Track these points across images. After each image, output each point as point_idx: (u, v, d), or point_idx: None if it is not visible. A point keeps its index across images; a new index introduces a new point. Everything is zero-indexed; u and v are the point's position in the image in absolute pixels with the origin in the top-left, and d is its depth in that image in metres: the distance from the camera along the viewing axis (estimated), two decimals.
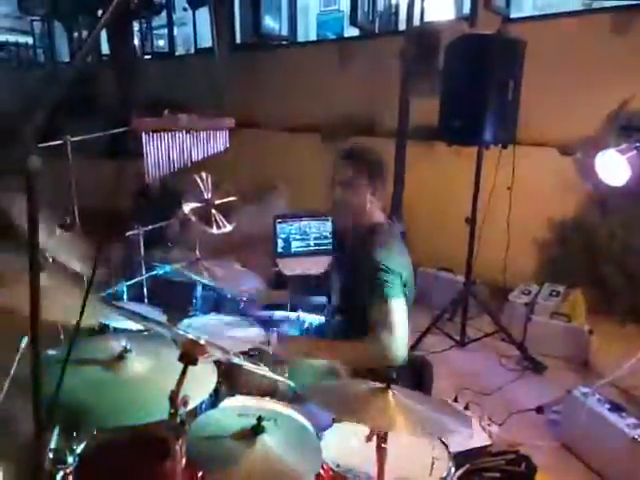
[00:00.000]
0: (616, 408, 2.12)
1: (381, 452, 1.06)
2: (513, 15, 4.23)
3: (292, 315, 2.12)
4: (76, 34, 9.73)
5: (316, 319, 2.07)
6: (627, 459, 2.01)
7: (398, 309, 1.63)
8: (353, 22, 4.94)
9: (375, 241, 1.70)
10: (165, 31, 7.96)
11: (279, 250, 3.25)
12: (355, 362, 1.58)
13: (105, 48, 7.66)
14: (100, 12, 7.08)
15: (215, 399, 1.46)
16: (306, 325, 2.09)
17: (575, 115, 3.65)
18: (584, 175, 3.61)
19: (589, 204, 3.69)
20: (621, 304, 3.53)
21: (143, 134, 2.06)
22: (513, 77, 2.85)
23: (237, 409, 1.29)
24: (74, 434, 1.23)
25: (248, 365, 1.20)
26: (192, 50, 7.80)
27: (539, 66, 3.20)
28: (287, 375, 1.58)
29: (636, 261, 3.45)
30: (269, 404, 1.41)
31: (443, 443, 1.33)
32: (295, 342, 1.58)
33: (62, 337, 1.77)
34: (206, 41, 7.12)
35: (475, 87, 2.82)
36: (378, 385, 1.12)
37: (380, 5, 5.37)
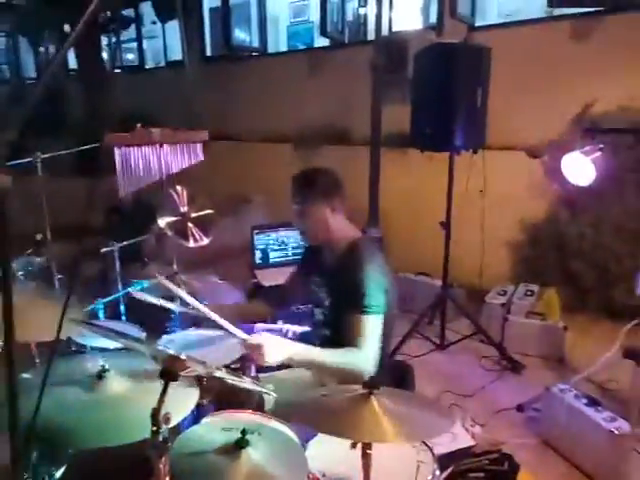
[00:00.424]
0: (593, 403, 2.17)
1: (366, 459, 1.07)
2: (478, 23, 4.34)
3: (275, 326, 2.11)
4: (42, 49, 9.58)
5: (299, 329, 2.06)
6: (605, 452, 2.06)
7: (377, 326, 1.63)
8: (323, 32, 4.99)
9: (356, 258, 1.70)
10: (134, 44, 7.90)
11: (257, 261, 3.24)
12: (331, 371, 1.58)
13: (72, 62, 7.56)
14: (67, 27, 6.99)
15: (197, 415, 1.45)
16: (290, 335, 2.09)
17: (541, 119, 3.76)
18: (552, 177, 3.72)
19: (559, 205, 3.80)
20: (594, 301, 3.63)
21: (115, 149, 2.04)
22: (480, 84, 2.92)
23: (220, 423, 1.28)
24: (52, 458, 1.20)
25: (230, 378, 1.19)
26: (162, 63, 7.76)
27: (505, 72, 3.29)
28: (272, 389, 1.57)
29: (606, 258, 3.55)
30: (252, 417, 1.40)
31: (427, 446, 1.34)
32: (280, 343, 1.56)
33: (37, 360, 1.73)
34: (176, 54, 7.09)
35: (444, 94, 2.88)
36: (361, 391, 1.13)
37: (349, 15, 5.44)
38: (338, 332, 1.70)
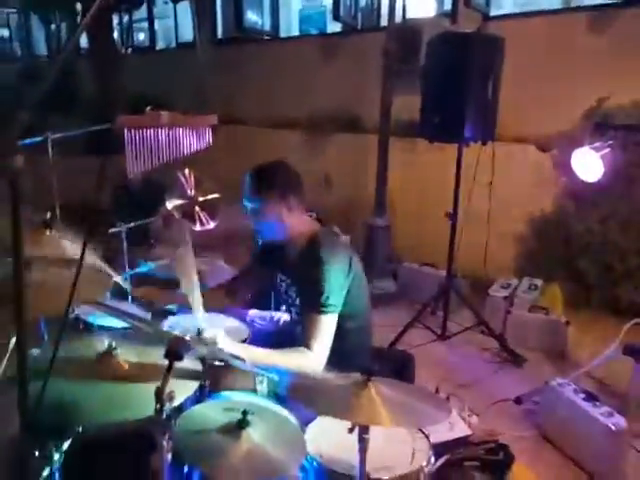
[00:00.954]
0: (590, 398, 2.18)
1: (363, 443, 1.10)
2: (493, 12, 4.29)
3: (267, 313, 2.13)
4: (53, 27, 9.55)
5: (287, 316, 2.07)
6: (601, 447, 2.08)
7: (331, 325, 1.62)
8: (336, 17, 4.95)
9: (314, 254, 1.66)
10: (146, 24, 7.85)
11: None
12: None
13: (83, 41, 7.54)
14: (78, 5, 6.96)
15: (200, 395, 1.48)
16: (281, 323, 2.11)
17: (552, 112, 3.73)
18: (561, 171, 3.70)
19: (566, 199, 3.78)
20: (597, 297, 3.63)
21: (125, 131, 2.05)
22: (492, 74, 2.90)
23: (222, 404, 1.31)
24: (59, 432, 1.24)
25: (233, 361, 1.21)
26: (173, 44, 7.71)
27: (518, 63, 3.26)
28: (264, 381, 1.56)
29: (612, 255, 3.54)
30: (254, 399, 1.43)
31: (424, 434, 1.37)
32: (234, 346, 1.52)
33: (45, 336, 1.77)
34: (187, 35, 7.05)
35: (455, 84, 2.86)
36: (359, 378, 1.15)
37: (362, 1, 5.38)
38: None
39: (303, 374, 1.46)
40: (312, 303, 1.61)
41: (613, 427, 2.02)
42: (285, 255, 1.85)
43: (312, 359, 1.56)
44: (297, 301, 1.82)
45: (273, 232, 1.78)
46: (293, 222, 1.75)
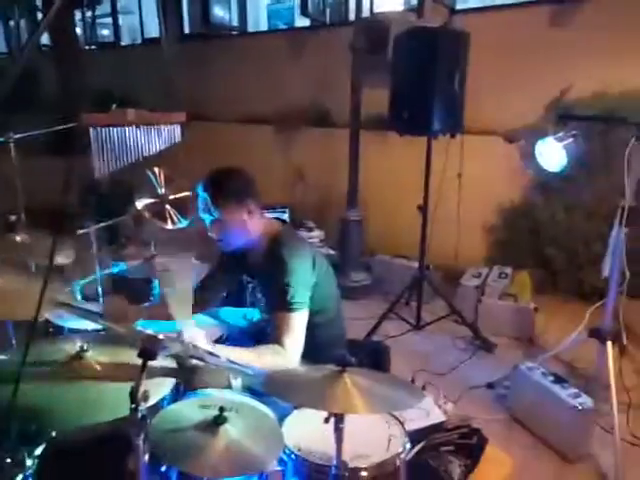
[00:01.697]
0: (559, 380, 2.26)
1: (339, 432, 1.12)
2: (459, 6, 4.35)
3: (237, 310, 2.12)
4: (12, 23, 9.22)
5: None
6: (569, 426, 2.16)
7: (302, 322, 1.64)
8: (304, 12, 4.93)
9: (278, 254, 1.67)
10: (110, 20, 7.66)
11: None
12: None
13: (45, 38, 7.31)
14: (38, 0, 6.74)
15: (176, 394, 1.48)
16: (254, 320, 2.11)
17: (518, 104, 3.82)
18: (527, 162, 3.79)
19: (533, 190, 3.89)
20: (564, 283, 3.76)
21: (91, 129, 2.02)
22: (459, 68, 2.95)
23: (198, 401, 1.31)
24: (32, 437, 1.22)
25: (206, 358, 1.22)
26: (139, 40, 7.55)
27: (484, 57, 3.32)
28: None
29: (577, 242, 3.66)
30: (230, 395, 1.43)
31: (398, 421, 1.40)
32: (209, 346, 1.51)
33: (13, 341, 1.73)
34: (153, 31, 6.91)
35: (422, 78, 2.90)
36: (334, 369, 1.17)
37: None
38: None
39: (278, 371, 1.45)
40: (280, 302, 1.62)
41: (580, 407, 2.10)
42: (248, 258, 1.85)
43: (285, 356, 1.59)
44: (263, 301, 1.83)
45: (237, 239, 1.76)
46: (254, 225, 1.75)
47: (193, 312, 1.73)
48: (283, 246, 1.69)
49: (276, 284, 1.63)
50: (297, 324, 1.62)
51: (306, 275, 1.68)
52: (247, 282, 1.92)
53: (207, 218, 1.74)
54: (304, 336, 1.64)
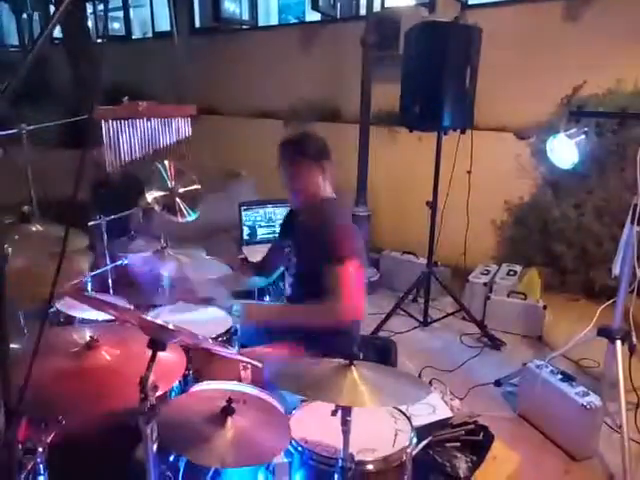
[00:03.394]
0: (567, 378, 2.25)
1: (346, 425, 1.12)
2: (471, 1, 4.31)
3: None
4: (25, 16, 9.26)
5: None
6: (577, 425, 2.15)
7: (356, 272, 1.66)
8: (315, 7, 4.91)
9: (330, 210, 1.81)
10: (121, 13, 7.67)
11: (245, 237, 3.26)
12: (311, 323, 1.64)
13: (57, 31, 7.33)
14: None
15: (185, 384, 1.49)
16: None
17: (530, 100, 3.78)
18: (538, 159, 3.76)
19: (543, 186, 3.85)
20: (573, 281, 3.73)
21: (102, 122, 2.03)
22: (470, 63, 2.92)
23: (207, 392, 1.32)
24: (43, 424, 1.23)
25: (217, 349, 1.22)
26: (150, 34, 7.57)
27: (495, 52, 3.29)
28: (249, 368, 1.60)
29: (587, 240, 3.63)
30: (238, 386, 1.44)
31: (405, 416, 1.40)
32: (258, 308, 1.62)
33: (25, 330, 1.75)
34: (164, 24, 6.92)
35: (433, 73, 2.88)
36: (342, 362, 1.17)
37: None
38: (306, 281, 1.78)
39: (337, 326, 1.60)
40: (336, 254, 1.65)
41: (588, 406, 2.09)
42: (297, 222, 1.96)
43: (348, 309, 1.63)
44: (294, 263, 1.88)
45: (306, 196, 1.85)
46: (323, 186, 1.86)
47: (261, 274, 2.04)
48: (333, 206, 1.84)
49: (325, 238, 1.70)
50: (352, 275, 1.64)
51: (355, 231, 1.78)
52: (289, 250, 1.97)
53: (288, 170, 1.85)
54: (362, 289, 1.69)
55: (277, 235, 2.20)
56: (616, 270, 2.24)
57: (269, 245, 3.15)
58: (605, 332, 2.26)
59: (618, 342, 2.20)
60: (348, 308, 1.62)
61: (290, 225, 2.03)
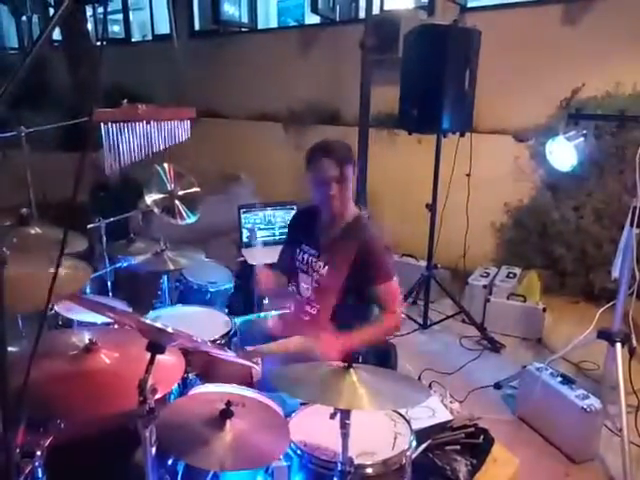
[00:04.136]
0: (567, 381, 2.25)
1: (345, 428, 1.12)
2: (470, 4, 4.32)
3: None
4: (24, 18, 9.27)
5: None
6: (577, 428, 2.15)
7: (398, 286, 1.82)
8: (314, 9, 4.92)
9: (368, 228, 1.86)
10: (120, 16, 7.68)
11: (244, 240, 3.26)
12: (375, 341, 1.81)
13: (56, 34, 7.34)
14: None
15: (184, 387, 1.49)
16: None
17: (529, 103, 3.79)
18: (537, 161, 3.77)
19: (542, 189, 3.86)
20: (573, 283, 3.72)
21: (102, 125, 2.03)
22: (469, 66, 2.93)
23: (205, 395, 1.31)
24: (41, 428, 1.23)
25: (215, 352, 1.22)
26: (149, 37, 7.58)
27: (494, 55, 3.30)
28: (260, 363, 1.63)
29: (586, 242, 3.63)
30: (237, 389, 1.44)
31: (405, 419, 1.40)
32: (334, 343, 1.65)
33: (23, 333, 1.75)
34: (164, 27, 6.93)
35: (432, 76, 2.88)
36: (340, 365, 1.17)
37: None
38: (333, 291, 1.84)
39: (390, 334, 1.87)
40: (382, 274, 1.78)
41: (588, 409, 2.09)
42: (317, 227, 1.98)
43: (396, 319, 1.81)
44: (323, 270, 1.90)
45: (343, 200, 1.87)
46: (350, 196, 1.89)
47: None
48: (372, 226, 1.90)
49: (371, 259, 1.78)
50: (397, 289, 1.82)
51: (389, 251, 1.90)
52: (303, 251, 1.98)
53: (335, 174, 1.82)
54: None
55: (286, 236, 2.21)
56: (616, 272, 2.24)
57: (268, 248, 3.18)
58: (605, 335, 2.26)
59: (618, 345, 2.20)
60: (399, 320, 1.81)
61: (303, 231, 2.02)
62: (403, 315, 1.91)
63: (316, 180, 1.84)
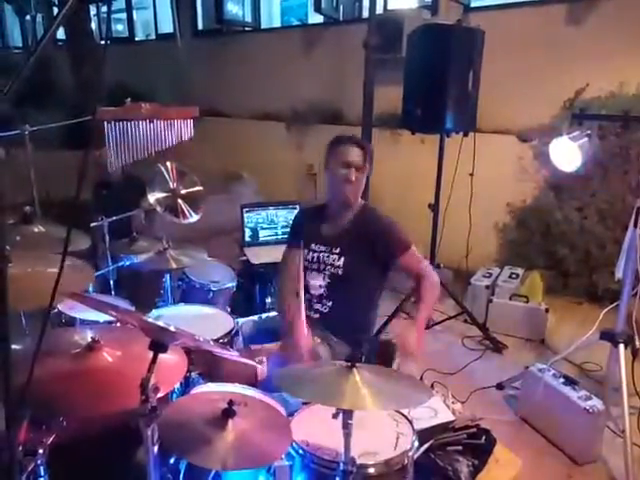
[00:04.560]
0: (570, 382, 2.24)
1: (348, 428, 1.12)
2: (474, 4, 4.31)
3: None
4: (28, 17, 9.30)
5: None
6: (580, 429, 2.14)
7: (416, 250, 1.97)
8: (317, 9, 4.91)
9: (377, 211, 2.02)
10: (124, 15, 7.70)
11: (247, 239, 3.26)
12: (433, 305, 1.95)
13: (60, 33, 7.35)
14: None
15: (186, 386, 1.49)
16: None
17: (533, 103, 3.78)
18: (541, 161, 3.75)
19: (546, 189, 3.84)
20: (576, 284, 3.71)
21: (105, 123, 2.03)
22: (473, 66, 2.92)
23: (208, 394, 1.31)
24: (43, 426, 1.23)
25: (218, 351, 1.22)
26: (153, 36, 7.59)
27: (498, 55, 3.29)
28: (264, 362, 1.64)
29: (590, 243, 3.62)
30: (240, 388, 1.44)
31: (407, 419, 1.40)
32: (412, 332, 1.73)
33: (26, 331, 1.75)
34: (167, 26, 6.94)
35: (436, 76, 2.88)
36: (344, 365, 1.17)
37: None
38: (353, 280, 1.92)
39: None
40: (398, 247, 1.91)
41: (591, 410, 2.08)
42: (327, 223, 2.04)
43: (435, 277, 1.92)
44: (339, 262, 1.94)
45: (358, 192, 1.99)
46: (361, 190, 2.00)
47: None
48: (376, 209, 2.04)
49: (386, 235, 1.91)
50: (418, 253, 1.96)
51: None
52: (313, 251, 2.01)
53: (359, 165, 1.95)
54: None
55: (290, 238, 2.18)
56: (619, 273, 2.23)
57: (271, 247, 3.19)
58: (608, 336, 2.25)
59: (621, 346, 2.19)
60: (434, 273, 1.93)
61: (312, 228, 2.05)
62: (404, 316, 1.94)
63: (339, 162, 1.94)
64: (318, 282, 1.97)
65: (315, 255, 1.99)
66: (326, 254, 1.97)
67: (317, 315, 1.96)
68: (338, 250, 1.95)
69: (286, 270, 2.06)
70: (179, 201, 2.30)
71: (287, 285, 2.01)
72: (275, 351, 1.82)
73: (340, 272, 1.93)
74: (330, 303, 1.95)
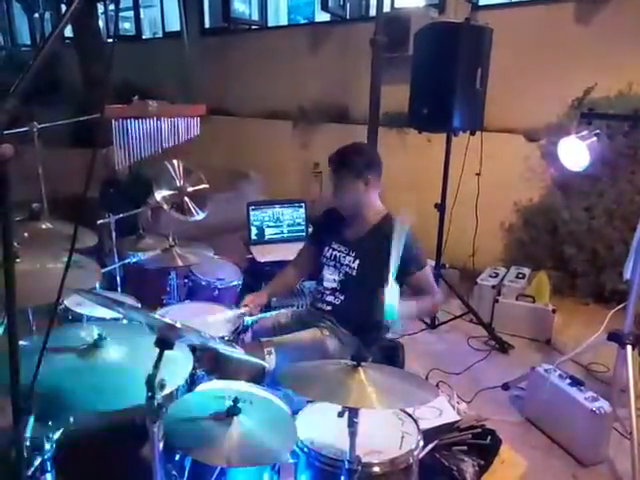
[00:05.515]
0: (576, 383, 2.23)
1: (353, 427, 1.11)
2: (482, 2, 4.29)
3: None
4: (37, 15, 9.36)
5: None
6: (586, 430, 2.13)
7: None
8: (324, 7, 4.91)
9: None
10: (131, 13, 7.72)
11: (253, 237, 3.26)
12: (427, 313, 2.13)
13: (68, 31, 7.39)
14: None
15: (191, 383, 1.49)
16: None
17: (540, 102, 3.75)
18: (549, 161, 3.73)
19: (553, 189, 3.82)
20: (583, 285, 3.69)
21: (113, 121, 2.04)
22: (481, 65, 2.90)
23: (213, 392, 1.32)
24: (50, 422, 1.24)
25: (223, 348, 1.22)
26: (160, 34, 7.61)
27: (506, 53, 3.27)
28: (273, 353, 1.65)
29: (597, 243, 3.59)
30: (245, 386, 1.44)
31: (412, 419, 1.39)
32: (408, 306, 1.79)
33: (34, 327, 1.76)
34: (174, 24, 6.96)
35: (443, 74, 2.86)
36: (349, 363, 1.17)
37: None
38: (366, 283, 1.93)
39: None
40: (415, 264, 1.93)
41: (597, 411, 2.06)
42: (345, 227, 2.08)
43: (439, 299, 2.01)
44: (354, 265, 1.99)
45: (349, 205, 2.02)
46: (368, 199, 2.01)
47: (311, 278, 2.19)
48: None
49: (408, 248, 1.86)
50: (430, 274, 2.02)
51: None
52: (333, 249, 2.07)
53: (333, 182, 2.01)
54: None
55: (311, 234, 2.36)
56: (627, 274, 2.21)
57: (277, 245, 3.19)
58: (615, 337, 2.23)
59: (629, 347, 2.17)
60: (441, 297, 2.03)
61: (331, 230, 2.11)
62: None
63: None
64: (333, 276, 2.03)
65: (334, 253, 2.05)
66: (343, 255, 2.03)
67: (329, 307, 2.01)
68: (354, 254, 2.00)
69: (297, 258, 2.23)
70: (185, 199, 2.30)
71: (289, 267, 2.22)
72: (284, 343, 1.84)
73: (354, 273, 1.99)
74: (342, 297, 2.00)
